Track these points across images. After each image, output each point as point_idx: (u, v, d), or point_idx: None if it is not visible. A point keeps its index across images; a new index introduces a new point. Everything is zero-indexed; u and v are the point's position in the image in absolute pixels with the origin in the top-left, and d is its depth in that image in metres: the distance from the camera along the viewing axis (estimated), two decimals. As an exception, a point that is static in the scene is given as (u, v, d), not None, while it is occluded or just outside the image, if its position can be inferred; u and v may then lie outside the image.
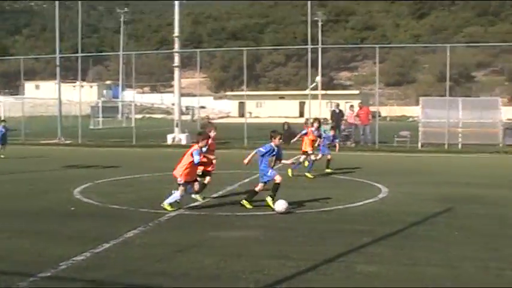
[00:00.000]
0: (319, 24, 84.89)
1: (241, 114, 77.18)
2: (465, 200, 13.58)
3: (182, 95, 37.44)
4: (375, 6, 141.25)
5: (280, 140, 12.56)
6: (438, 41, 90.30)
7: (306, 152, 18.73)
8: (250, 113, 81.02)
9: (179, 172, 11.93)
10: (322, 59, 78.71)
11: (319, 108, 41.54)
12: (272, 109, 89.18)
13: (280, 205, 11.65)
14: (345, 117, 33.86)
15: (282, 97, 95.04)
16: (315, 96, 58.24)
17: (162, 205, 11.86)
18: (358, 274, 7.67)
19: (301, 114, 77.33)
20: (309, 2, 35.98)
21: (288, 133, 31.97)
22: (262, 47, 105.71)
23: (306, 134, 19.04)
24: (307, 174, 18.20)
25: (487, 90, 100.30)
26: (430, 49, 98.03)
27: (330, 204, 12.67)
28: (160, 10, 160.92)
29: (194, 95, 74.03)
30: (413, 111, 67.89)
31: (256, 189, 12.28)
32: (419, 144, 31.40)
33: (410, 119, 71.01)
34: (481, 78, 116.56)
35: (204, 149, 12.31)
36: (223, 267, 7.92)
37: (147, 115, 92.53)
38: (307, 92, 37.96)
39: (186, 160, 11.95)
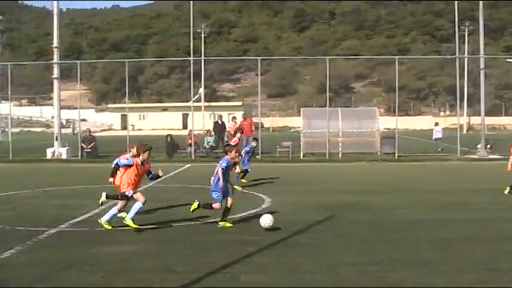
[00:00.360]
0: (202, 36, 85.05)
1: (124, 127, 75.91)
2: (346, 207, 14.00)
3: (62, 107, 36.36)
4: (257, 19, 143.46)
5: (236, 153, 12.44)
6: (318, 53, 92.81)
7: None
8: (133, 125, 79.91)
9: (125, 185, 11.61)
10: (205, 70, 78.65)
11: (203, 120, 41.54)
12: (155, 121, 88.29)
13: (267, 221, 11.17)
14: (228, 129, 33.99)
15: (165, 109, 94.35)
16: (198, 108, 58.21)
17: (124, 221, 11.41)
18: (243, 284, 7.73)
19: (185, 126, 77.01)
20: (191, 13, 35.94)
21: (171, 145, 31.89)
22: (145, 58, 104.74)
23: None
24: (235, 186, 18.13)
25: (366, 101, 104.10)
26: (311, 61, 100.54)
27: (213, 216, 12.68)
28: (39, 19, 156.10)
29: (75, 108, 71.89)
30: (295, 121, 69.30)
31: (214, 205, 11.79)
32: (302, 154, 32.08)
33: (293, 130, 72.46)
34: (359, 89, 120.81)
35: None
36: (105, 284, 7.75)
37: (26, 128, 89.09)
38: (190, 104, 37.87)
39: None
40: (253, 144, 20.42)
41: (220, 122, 34.60)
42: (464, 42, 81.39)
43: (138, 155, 11.59)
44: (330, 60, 34.56)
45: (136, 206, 11.25)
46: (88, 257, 9.23)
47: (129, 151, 12.59)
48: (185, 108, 70.40)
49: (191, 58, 36.18)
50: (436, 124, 41.93)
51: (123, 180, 11.68)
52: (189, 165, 27.92)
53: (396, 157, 30.85)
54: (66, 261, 8.93)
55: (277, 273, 8.20)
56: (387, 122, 54.94)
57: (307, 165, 28.17)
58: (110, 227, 11.33)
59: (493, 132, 71.30)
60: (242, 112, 39.65)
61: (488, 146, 34.10)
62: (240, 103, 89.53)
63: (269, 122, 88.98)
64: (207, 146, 32.32)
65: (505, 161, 30.65)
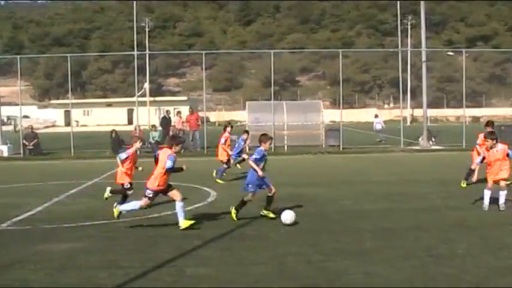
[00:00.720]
0: (147, 30, 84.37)
1: (68, 123, 74.66)
2: (291, 199, 14.11)
3: (2, 104, 35.65)
4: (202, 13, 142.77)
5: (270, 145, 12.13)
6: (264, 47, 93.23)
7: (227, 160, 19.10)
8: (77, 121, 78.67)
9: (153, 182, 10.99)
10: (150, 65, 78.32)
11: (148, 115, 41.23)
12: (100, 117, 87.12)
13: (289, 217, 11.06)
14: (173, 123, 33.86)
15: (109, 105, 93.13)
16: (143, 103, 57.84)
17: (114, 209, 11.36)
18: (188, 277, 7.77)
19: (130, 122, 76.37)
20: (134, 7, 35.60)
21: (116, 141, 31.57)
22: (88, 53, 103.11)
23: (225, 141, 19.25)
24: (218, 180, 18.38)
25: (311, 94, 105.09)
26: (257, 55, 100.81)
27: (158, 211, 12.64)
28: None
29: (16, 104, 70.51)
30: (241, 115, 69.39)
31: (245, 198, 11.73)
32: (247, 148, 32.15)
33: (239, 123, 72.56)
34: (305, 83, 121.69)
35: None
36: (49, 281, 7.66)
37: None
38: (135, 99, 37.54)
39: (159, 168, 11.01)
40: (244, 136, 20.53)
41: (168, 117, 34.46)
42: (407, 36, 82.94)
43: (170, 148, 11.08)
44: (275, 54, 34.78)
45: (179, 207, 10.92)
46: (31, 255, 9.10)
47: (132, 145, 13.21)
48: (130, 103, 69.64)
49: (135, 52, 35.79)
50: (376, 116, 42.81)
51: (120, 174, 12.63)
52: (134, 160, 27.64)
53: (341, 149, 31.25)
54: (8, 260, 8.79)
55: (223, 266, 8.26)
56: (332, 115, 55.62)
57: (253, 159, 28.26)
58: (116, 214, 11.25)
59: (436, 124, 72.88)
60: (188, 107, 39.51)
61: (433, 138, 34.89)
62: (185, 98, 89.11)
63: (215, 116, 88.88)
64: (153, 141, 32.14)
65: (447, 152, 31.60)
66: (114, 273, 7.93)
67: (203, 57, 34.58)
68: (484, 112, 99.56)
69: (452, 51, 78.49)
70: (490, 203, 12.26)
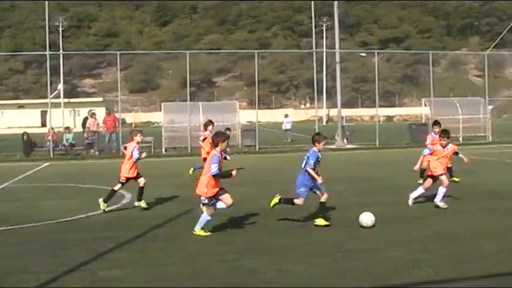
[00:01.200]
0: (60, 29, 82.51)
1: (-23, 126, 72.33)
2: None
3: None
4: (118, 13, 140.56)
5: (324, 145, 11.37)
6: (180, 47, 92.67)
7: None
8: (-14, 124, 76.28)
9: (202, 189, 10.27)
10: (64, 66, 76.54)
11: (62, 117, 40.28)
12: (11, 119, 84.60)
13: (370, 219, 10.66)
14: (87, 125, 33.10)
15: (21, 106, 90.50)
16: (57, 105, 56.47)
17: (194, 232, 10.27)
18: (101, 280, 7.68)
19: (44, 124, 74.49)
20: (46, 6, 34.69)
21: (27, 144, 30.77)
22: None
23: (204, 139, 18.94)
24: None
25: (228, 95, 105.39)
26: (173, 56, 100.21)
27: (72, 214, 12.42)
28: None
29: None
30: (157, 117, 68.88)
31: (296, 201, 11.08)
32: (164, 149, 32.02)
33: (156, 125, 72.04)
34: (222, 84, 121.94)
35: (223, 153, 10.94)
36: (-47, 288, 7.42)
37: None
38: (48, 100, 36.61)
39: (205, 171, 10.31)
40: (227, 133, 20.38)
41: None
42: (322, 37, 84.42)
43: (216, 145, 10.43)
44: (192, 55, 34.75)
45: (220, 206, 10.43)
46: None
47: (132, 139, 13.40)
48: (43, 105, 67.97)
49: (47, 52, 34.79)
50: (286, 116, 43.66)
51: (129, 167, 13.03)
52: (47, 163, 27.05)
53: (257, 149, 31.51)
54: None
55: (136, 268, 8.20)
56: (249, 115, 55.91)
57: (168, 160, 28.18)
58: (207, 233, 10.29)
59: (351, 123, 74.44)
60: (104, 108, 38.91)
61: (347, 136, 35.71)
62: (101, 99, 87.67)
63: (131, 117, 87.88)
64: (66, 144, 31.52)
65: (362, 151, 32.39)
66: (24, 279, 7.74)
67: (118, 57, 34.12)
68: (397, 111, 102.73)
69: (364, 53, 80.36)
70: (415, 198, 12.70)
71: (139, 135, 13.59)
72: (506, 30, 46.23)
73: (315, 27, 42.05)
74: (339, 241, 9.57)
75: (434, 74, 40.32)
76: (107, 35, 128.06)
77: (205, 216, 10.22)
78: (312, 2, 38.27)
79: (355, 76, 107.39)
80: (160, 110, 35.61)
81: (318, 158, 10.93)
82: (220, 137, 10.52)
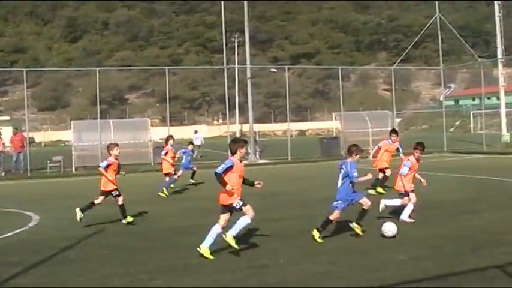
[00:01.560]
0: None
1: None
2: (116, 219, 13.86)
3: None
4: (26, 28, 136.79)
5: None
6: (91, 64, 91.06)
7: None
8: None
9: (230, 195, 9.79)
10: (-32, 83, 73.81)
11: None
12: None
13: (393, 229, 10.54)
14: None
15: None
16: (-40, 124, 54.36)
17: (225, 237, 9.65)
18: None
19: None
20: None
21: None
22: None
23: (166, 153, 19.63)
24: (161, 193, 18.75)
25: (140, 112, 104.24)
26: (83, 72, 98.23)
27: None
28: None
29: None
30: (68, 135, 67.32)
31: (331, 217, 10.67)
32: (74, 168, 31.28)
33: (66, 143, 70.42)
34: (134, 101, 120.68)
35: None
36: None
37: None
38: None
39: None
40: (190, 147, 22.16)
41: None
42: (234, 53, 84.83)
43: (234, 152, 9.88)
44: (103, 72, 34.21)
45: (244, 222, 9.77)
46: None
47: (110, 153, 13.64)
48: None
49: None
50: (196, 132, 43.69)
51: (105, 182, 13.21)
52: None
53: (170, 166, 31.24)
54: None
55: (42, 293, 7.94)
56: (162, 132, 55.41)
57: (79, 180, 27.58)
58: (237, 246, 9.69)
59: (264, 138, 75.12)
60: (11, 127, 37.68)
61: (259, 153, 36.00)
62: (7, 117, 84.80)
63: (41, 136, 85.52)
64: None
65: (274, 165, 32.67)
66: None
67: (24, 74, 33.16)
68: (309, 126, 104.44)
69: (275, 68, 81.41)
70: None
71: (115, 148, 13.70)
72: (411, 45, 47.98)
73: (227, 44, 42.29)
74: (252, 256, 9.59)
75: (344, 88, 41.31)
76: (14, 51, 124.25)
77: (246, 219, 9.72)
78: (223, 17, 38.38)
79: (267, 91, 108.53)
80: (71, 129, 34.77)
81: (353, 169, 10.65)
82: (238, 143, 10.07)
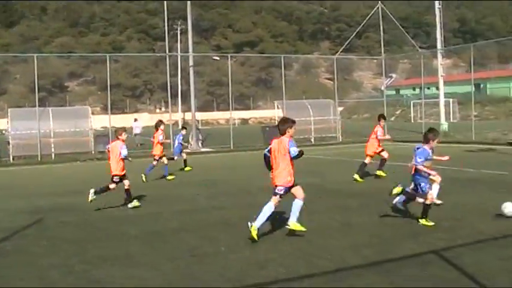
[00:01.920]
0: None
1: None
2: (55, 209, 13.68)
3: None
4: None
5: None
6: (29, 50, 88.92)
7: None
8: None
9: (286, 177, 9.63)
10: None
11: None
12: None
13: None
14: None
15: None
16: None
17: (288, 226, 9.78)
18: None
19: None
20: None
21: None
22: None
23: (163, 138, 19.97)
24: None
25: (81, 100, 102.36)
26: (21, 59, 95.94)
27: None
28: None
29: None
30: (5, 123, 65.83)
31: (427, 202, 10.40)
32: (11, 158, 30.58)
33: (4, 132, 68.75)
34: (74, 88, 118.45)
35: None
36: None
37: None
38: None
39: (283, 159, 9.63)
40: (183, 132, 22.66)
41: None
42: (177, 41, 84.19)
43: (283, 133, 9.65)
44: (42, 58, 33.47)
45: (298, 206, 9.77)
46: None
47: (117, 137, 13.70)
48: None
49: None
50: (135, 120, 43.43)
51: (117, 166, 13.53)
52: None
53: (110, 155, 30.87)
54: None
55: (-23, 286, 7.74)
56: (104, 121, 54.67)
57: (16, 169, 26.99)
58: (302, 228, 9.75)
59: (207, 126, 74.98)
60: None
61: (201, 141, 35.93)
62: None
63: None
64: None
65: (217, 154, 32.65)
66: None
67: (-42, 61, 32.22)
68: (252, 114, 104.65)
69: (218, 56, 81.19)
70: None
71: (124, 133, 13.75)
72: (353, 35, 48.53)
73: (169, 31, 41.91)
74: (193, 245, 9.56)
75: (287, 77, 41.54)
76: None
77: (271, 206, 9.70)
78: (165, 4, 37.92)
79: (210, 80, 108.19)
80: (8, 117, 33.94)
81: (428, 155, 10.73)
82: (287, 123, 9.78)
